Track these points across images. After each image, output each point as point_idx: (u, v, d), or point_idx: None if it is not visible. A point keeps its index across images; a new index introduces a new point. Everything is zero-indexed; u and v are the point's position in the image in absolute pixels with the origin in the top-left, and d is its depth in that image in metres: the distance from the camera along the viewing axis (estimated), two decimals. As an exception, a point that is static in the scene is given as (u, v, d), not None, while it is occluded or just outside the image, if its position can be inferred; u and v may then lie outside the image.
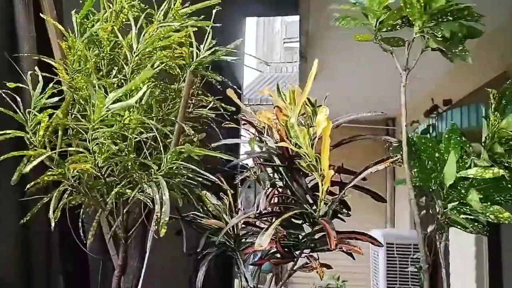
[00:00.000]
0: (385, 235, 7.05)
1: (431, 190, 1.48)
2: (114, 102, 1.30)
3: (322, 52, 5.43)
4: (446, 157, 1.46)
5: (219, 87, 1.71)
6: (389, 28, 1.54)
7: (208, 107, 1.79)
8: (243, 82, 5.86)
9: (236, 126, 1.62)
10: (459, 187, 1.39)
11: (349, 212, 1.43)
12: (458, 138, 1.47)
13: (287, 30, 9.71)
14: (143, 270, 1.51)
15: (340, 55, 5.69)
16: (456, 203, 1.44)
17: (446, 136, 1.49)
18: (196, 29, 1.58)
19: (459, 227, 1.43)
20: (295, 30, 6.42)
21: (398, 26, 1.53)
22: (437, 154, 1.47)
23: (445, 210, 1.45)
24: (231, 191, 1.51)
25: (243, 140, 1.47)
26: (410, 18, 1.41)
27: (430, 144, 1.50)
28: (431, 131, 5.29)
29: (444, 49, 1.37)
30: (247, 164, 1.58)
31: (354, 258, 1.54)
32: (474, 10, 1.40)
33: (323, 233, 1.45)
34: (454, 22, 1.39)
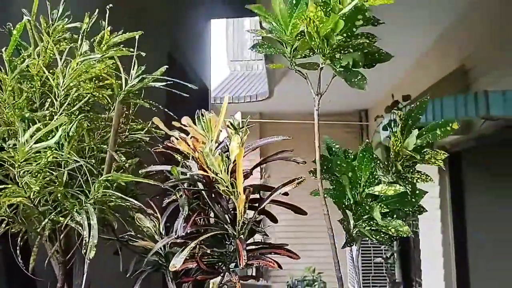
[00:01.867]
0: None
1: (343, 206, 1.60)
2: (37, 142, 1.39)
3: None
4: (358, 174, 1.59)
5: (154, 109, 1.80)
6: (303, 55, 1.65)
7: (144, 130, 1.88)
8: (210, 84, 5.94)
9: (166, 151, 1.72)
10: (363, 204, 1.51)
11: (265, 231, 1.55)
12: (371, 156, 1.59)
13: (256, 28, 9.80)
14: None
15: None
16: (366, 217, 1.56)
17: (360, 154, 1.61)
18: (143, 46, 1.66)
19: (366, 238, 1.56)
20: (262, 28, 6.53)
21: (311, 53, 1.64)
22: (350, 174, 1.59)
23: (356, 224, 1.57)
24: (156, 214, 1.62)
25: (166, 167, 1.57)
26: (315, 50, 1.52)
27: (344, 164, 1.62)
28: (392, 126, 5.46)
29: (344, 79, 1.48)
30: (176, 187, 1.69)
31: (281, 268, 1.66)
32: (374, 42, 1.52)
33: (250, 247, 1.57)
34: (355, 53, 1.50)
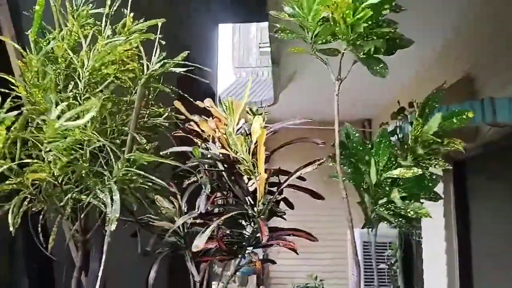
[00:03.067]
0: (362, 234, 7.23)
1: (362, 189, 1.62)
2: (67, 120, 1.42)
3: (292, 58, 5.59)
4: (376, 160, 1.61)
5: (173, 95, 1.84)
6: (324, 41, 1.68)
7: (163, 116, 1.92)
8: (217, 88, 5.99)
9: (186, 135, 1.75)
10: (383, 186, 1.54)
11: (284, 212, 1.57)
12: (387, 142, 1.62)
13: (262, 35, 9.89)
14: (101, 271, 1.62)
15: (313, 58, 5.85)
16: (384, 200, 1.59)
17: (377, 140, 1.64)
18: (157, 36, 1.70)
19: (386, 222, 1.58)
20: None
21: (332, 39, 1.68)
22: (367, 157, 1.62)
23: (374, 207, 1.60)
24: (179, 193, 1.64)
25: (189, 148, 1.59)
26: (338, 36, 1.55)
27: (361, 148, 1.65)
28: (398, 132, 5.48)
29: (366, 66, 1.51)
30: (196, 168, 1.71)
31: (297, 253, 1.68)
32: (396, 29, 1.55)
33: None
34: (377, 40, 1.54)
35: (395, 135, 5.50)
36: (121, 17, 1.83)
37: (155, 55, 1.78)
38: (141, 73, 1.72)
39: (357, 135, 1.66)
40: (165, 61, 1.76)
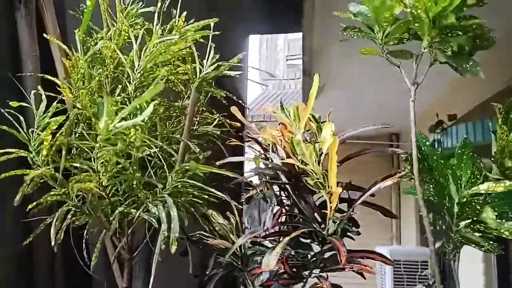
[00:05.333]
0: (392, 252, 6.95)
1: (445, 207, 1.44)
2: (120, 121, 1.28)
3: (325, 68, 5.44)
4: (457, 173, 1.43)
5: (224, 102, 1.70)
6: (395, 42, 1.52)
7: (213, 124, 1.77)
8: (246, 99, 5.86)
9: (241, 143, 1.59)
10: (473, 204, 1.35)
11: (358, 230, 1.40)
12: (470, 154, 1.44)
13: (289, 47, 9.78)
14: (148, 292, 1.47)
15: (343, 71, 5.69)
16: (469, 220, 1.40)
17: (459, 151, 1.45)
18: (200, 43, 1.57)
19: (473, 245, 1.39)
20: (297, 47, 6.44)
21: (405, 40, 1.51)
22: (449, 171, 1.44)
23: (458, 228, 1.41)
24: (239, 206, 1.48)
25: (248, 158, 1.44)
26: (418, 33, 1.39)
27: (442, 161, 1.47)
28: (436, 147, 5.26)
29: (453, 64, 1.34)
30: (251, 181, 1.55)
31: (364, 278, 1.50)
32: (484, 23, 1.38)
33: (332, 252, 1.42)
34: (462, 36, 1.37)
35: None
36: (169, 20, 1.71)
37: (207, 58, 1.64)
38: (194, 76, 1.58)
39: (428, 144, 1.48)
40: (219, 63, 1.62)
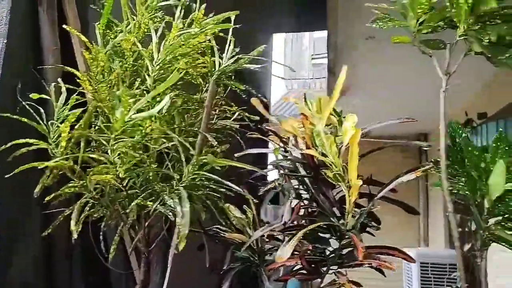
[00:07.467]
0: (419, 255, 6.80)
1: (476, 202, 1.37)
2: (137, 112, 1.27)
3: (351, 66, 5.36)
4: (492, 167, 1.36)
5: (243, 96, 1.67)
6: (429, 30, 1.45)
7: (232, 118, 1.75)
8: (270, 96, 5.82)
9: (261, 136, 1.57)
10: (506, 200, 1.29)
11: (379, 226, 1.35)
12: (507, 148, 1.37)
13: (315, 46, 9.68)
14: (165, 286, 1.46)
15: (370, 69, 5.60)
16: (501, 217, 1.33)
17: (494, 144, 1.39)
18: (220, 36, 1.55)
19: (503, 243, 1.32)
20: (322, 46, 6.36)
21: (440, 28, 1.44)
22: (482, 164, 1.37)
23: (488, 225, 1.34)
24: (255, 200, 1.45)
25: (267, 150, 1.41)
26: (454, 20, 1.31)
27: (476, 153, 1.40)
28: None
29: (489, 55, 1.27)
30: (268, 175, 1.52)
31: (384, 275, 1.45)
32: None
33: (351, 248, 1.38)
34: (502, 25, 1.29)
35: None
36: (189, 14, 1.69)
37: (227, 51, 1.62)
38: (213, 69, 1.56)
39: (464, 135, 1.42)
40: (239, 56, 1.59)
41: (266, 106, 1.53)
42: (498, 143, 1.31)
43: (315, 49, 9.60)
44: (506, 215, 1.27)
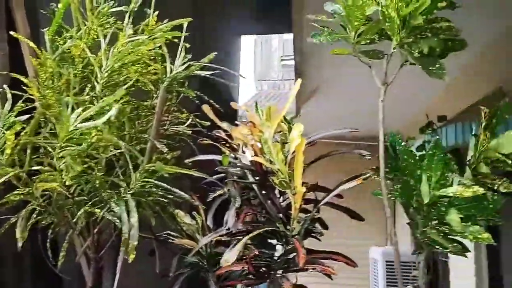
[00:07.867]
0: (385, 253, 6.94)
1: (412, 207, 1.43)
2: (83, 121, 1.27)
3: (317, 69, 5.42)
4: (428, 174, 1.42)
5: (197, 102, 1.68)
6: (367, 41, 1.51)
7: (186, 124, 1.76)
8: (238, 100, 5.84)
9: (212, 142, 1.58)
10: (438, 205, 1.34)
11: (323, 231, 1.39)
12: (442, 155, 1.43)
13: (284, 47, 9.76)
14: (114, 292, 1.46)
15: (334, 72, 5.68)
16: (436, 222, 1.39)
17: (430, 152, 1.45)
18: (175, 40, 1.56)
19: (438, 247, 1.38)
20: (292, 47, 6.43)
21: (377, 39, 1.50)
22: (418, 172, 1.43)
23: (424, 229, 1.40)
24: (203, 207, 1.47)
25: (218, 156, 1.43)
26: (389, 32, 1.37)
27: (412, 161, 1.46)
28: (426, 148, 5.23)
29: (421, 66, 1.33)
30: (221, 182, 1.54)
31: (331, 278, 1.49)
32: (454, 26, 1.38)
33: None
34: (433, 38, 1.36)
35: (423, 151, 5.26)
36: (144, 19, 1.69)
37: (179, 57, 1.63)
38: (164, 76, 1.57)
39: (403, 144, 1.47)
40: (190, 63, 1.60)
41: (217, 112, 1.54)
42: (434, 151, 1.36)
43: (284, 51, 9.68)
44: (440, 220, 1.33)
